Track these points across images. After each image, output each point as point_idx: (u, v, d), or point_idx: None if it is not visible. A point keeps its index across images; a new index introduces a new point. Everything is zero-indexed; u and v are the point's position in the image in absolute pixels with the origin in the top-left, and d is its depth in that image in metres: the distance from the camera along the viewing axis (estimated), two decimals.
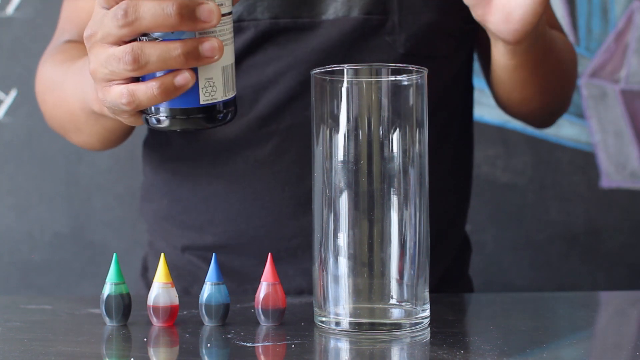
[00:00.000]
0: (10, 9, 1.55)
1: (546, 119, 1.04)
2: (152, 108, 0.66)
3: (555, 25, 1.02)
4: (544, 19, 0.85)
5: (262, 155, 0.91)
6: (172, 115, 0.66)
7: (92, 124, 0.88)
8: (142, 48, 0.63)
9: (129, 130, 0.93)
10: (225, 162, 0.92)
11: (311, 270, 0.90)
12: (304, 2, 0.89)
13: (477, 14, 0.79)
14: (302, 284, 0.91)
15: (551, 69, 0.93)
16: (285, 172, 0.90)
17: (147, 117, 0.67)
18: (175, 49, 0.63)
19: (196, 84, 0.65)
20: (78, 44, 0.95)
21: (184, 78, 0.64)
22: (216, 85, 0.66)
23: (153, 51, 0.63)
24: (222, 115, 0.67)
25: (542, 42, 0.86)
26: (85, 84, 0.80)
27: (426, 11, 0.90)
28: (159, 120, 0.67)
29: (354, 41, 0.89)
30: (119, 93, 0.65)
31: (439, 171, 0.87)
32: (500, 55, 0.85)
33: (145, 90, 0.64)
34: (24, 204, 1.55)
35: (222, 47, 0.64)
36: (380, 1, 0.89)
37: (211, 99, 0.65)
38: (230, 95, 0.67)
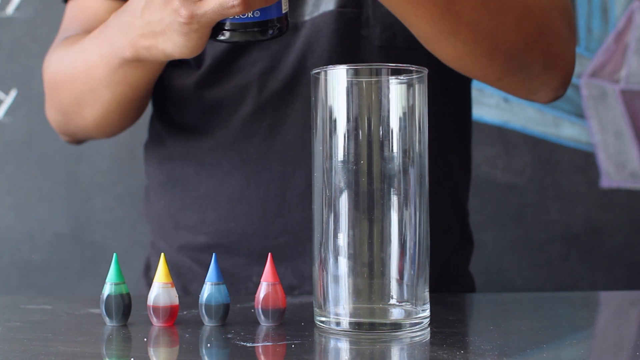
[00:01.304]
0: (10, 9, 1.55)
1: (508, 75, 0.85)
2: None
3: None
4: None
5: (246, 154, 0.91)
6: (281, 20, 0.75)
7: (118, 80, 0.86)
8: None
9: (150, 87, 0.90)
10: (212, 161, 0.93)
11: (300, 268, 0.90)
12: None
13: None
14: (292, 281, 0.91)
15: None
16: (269, 170, 0.91)
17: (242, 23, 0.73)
18: None
19: None
20: (84, 34, 0.93)
21: None
22: None
23: None
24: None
25: None
26: (113, 37, 0.81)
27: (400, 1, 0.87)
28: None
29: (332, 36, 0.89)
30: None
31: (435, 161, 0.85)
32: None
33: None
34: (24, 204, 1.55)
35: None
36: None
37: (285, 8, 0.75)
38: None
